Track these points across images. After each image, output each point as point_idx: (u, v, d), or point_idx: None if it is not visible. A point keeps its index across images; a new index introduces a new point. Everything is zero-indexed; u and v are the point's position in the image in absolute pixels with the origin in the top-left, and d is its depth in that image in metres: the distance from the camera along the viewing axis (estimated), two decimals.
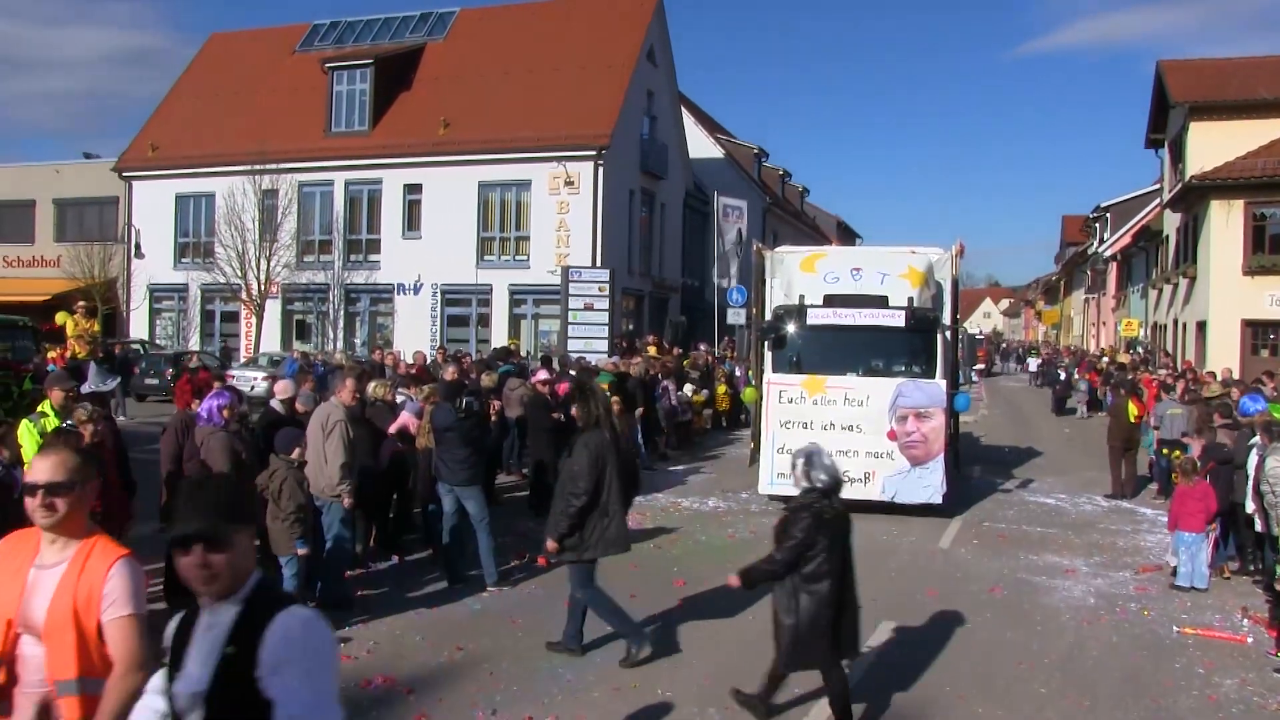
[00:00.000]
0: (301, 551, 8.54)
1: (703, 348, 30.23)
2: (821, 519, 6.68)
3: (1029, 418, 32.15)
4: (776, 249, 17.37)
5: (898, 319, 14.61)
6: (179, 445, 9.09)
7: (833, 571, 6.68)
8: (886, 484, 14.44)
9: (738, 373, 25.48)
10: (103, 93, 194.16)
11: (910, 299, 14.77)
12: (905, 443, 14.41)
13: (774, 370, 15.34)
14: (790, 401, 14.88)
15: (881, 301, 14.85)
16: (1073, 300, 73.94)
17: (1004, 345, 78.15)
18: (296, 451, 8.79)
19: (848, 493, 14.61)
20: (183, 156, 37.51)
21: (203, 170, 36.72)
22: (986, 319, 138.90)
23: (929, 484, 14.41)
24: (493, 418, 12.88)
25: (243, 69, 40.17)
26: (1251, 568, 11.73)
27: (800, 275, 15.64)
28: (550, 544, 8.08)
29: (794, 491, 15.02)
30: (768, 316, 15.85)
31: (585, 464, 7.91)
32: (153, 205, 38.03)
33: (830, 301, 15.06)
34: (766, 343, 15.59)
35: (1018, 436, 25.70)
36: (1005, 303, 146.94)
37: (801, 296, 15.21)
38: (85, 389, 10.86)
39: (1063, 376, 35.03)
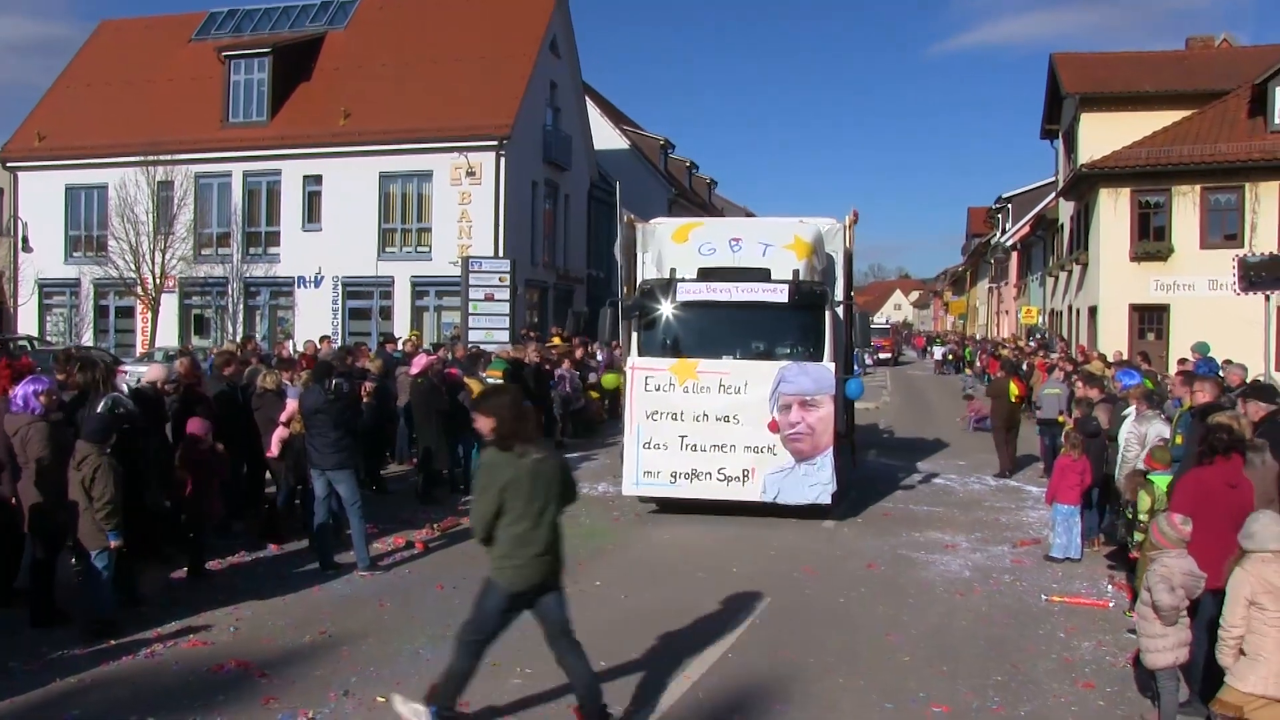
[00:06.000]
0: (114, 544, 8.04)
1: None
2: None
3: (930, 404, 32.76)
4: (651, 220, 15.70)
5: (780, 294, 13.01)
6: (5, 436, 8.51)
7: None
8: (768, 483, 12.77)
9: (600, 356, 23.58)
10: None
11: (796, 272, 13.22)
12: (789, 435, 12.70)
13: (640, 354, 13.53)
14: (657, 389, 13.06)
15: (763, 275, 13.31)
16: (978, 290, 75.46)
17: (935, 339, 79.58)
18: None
19: (724, 493, 13.29)
20: (72, 147, 36.16)
21: (94, 161, 35.41)
22: (897, 310, 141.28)
23: (816, 482, 12.73)
24: (365, 399, 12.63)
25: (136, 57, 38.92)
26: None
27: (672, 247, 14.00)
28: None
29: (667, 491, 13.25)
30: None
31: None
32: (41, 197, 36.68)
33: (705, 275, 13.43)
34: (632, 323, 13.84)
35: (918, 421, 26.09)
36: (915, 294, 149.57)
37: (673, 270, 13.51)
38: None
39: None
